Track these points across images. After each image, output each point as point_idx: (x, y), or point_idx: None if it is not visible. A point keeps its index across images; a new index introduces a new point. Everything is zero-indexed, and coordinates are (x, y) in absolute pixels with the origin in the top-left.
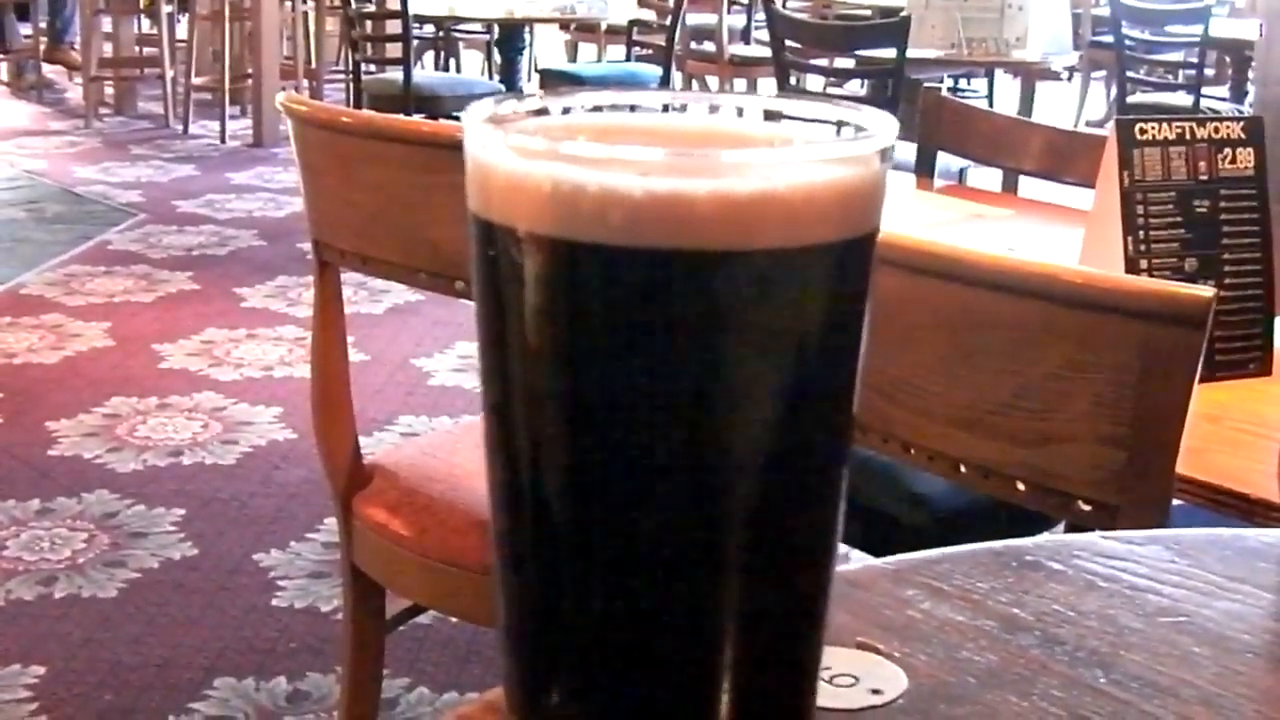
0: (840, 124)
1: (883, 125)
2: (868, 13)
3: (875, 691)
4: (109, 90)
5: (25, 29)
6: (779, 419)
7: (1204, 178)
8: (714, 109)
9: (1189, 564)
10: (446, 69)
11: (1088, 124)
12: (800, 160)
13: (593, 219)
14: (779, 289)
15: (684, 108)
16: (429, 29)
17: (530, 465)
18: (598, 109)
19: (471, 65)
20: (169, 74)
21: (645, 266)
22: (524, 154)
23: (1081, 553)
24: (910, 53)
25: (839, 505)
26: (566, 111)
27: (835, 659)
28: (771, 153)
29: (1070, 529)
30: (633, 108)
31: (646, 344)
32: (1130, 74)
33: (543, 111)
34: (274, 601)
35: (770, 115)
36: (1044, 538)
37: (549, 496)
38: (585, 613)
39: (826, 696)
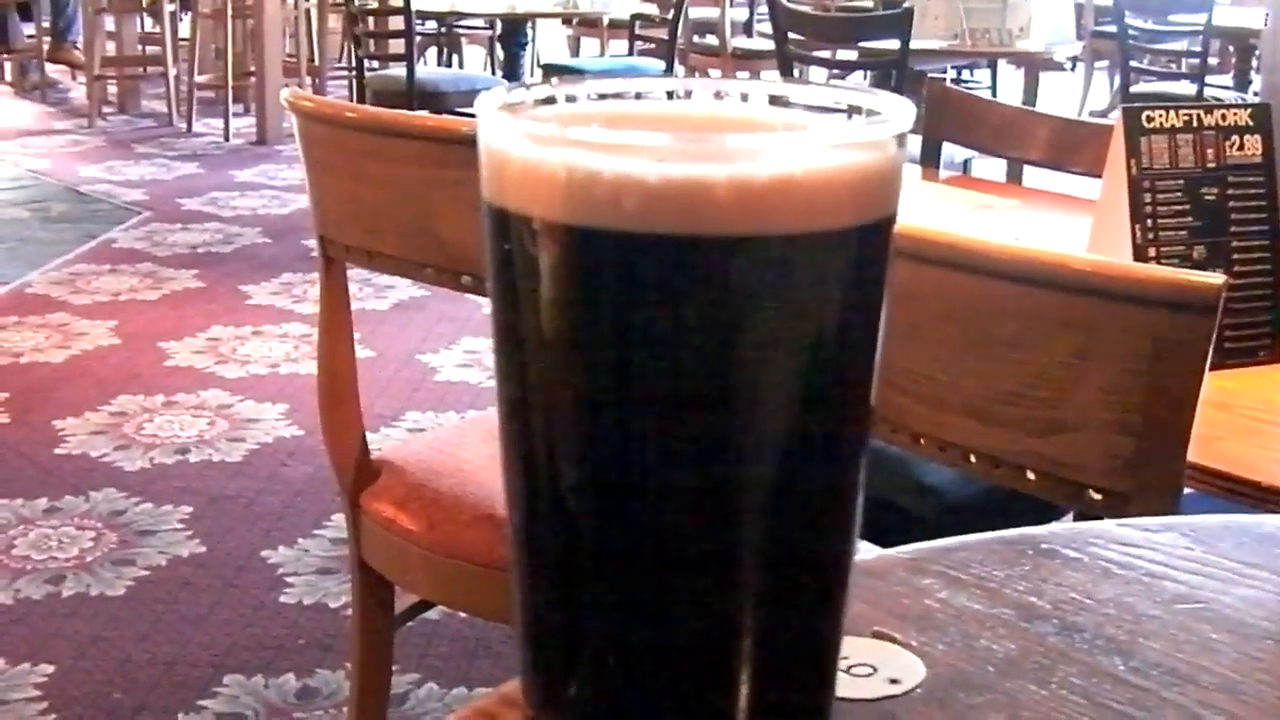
0: (852, 108)
1: (898, 109)
2: (870, 4)
3: (893, 681)
4: (112, 89)
5: (28, 29)
6: (798, 406)
7: (1212, 165)
8: (720, 95)
9: (1205, 550)
10: (449, 65)
11: (1091, 114)
12: (817, 145)
13: (607, 205)
14: (796, 274)
15: (689, 94)
16: (431, 25)
17: (547, 453)
18: (604, 96)
19: (474, 61)
20: (172, 72)
21: (660, 252)
22: (538, 141)
23: (1097, 540)
24: (913, 44)
25: (858, 492)
26: (572, 100)
27: (853, 649)
28: (788, 137)
29: (1080, 518)
30: (639, 95)
31: (663, 331)
32: (1133, 63)
33: (550, 100)
34: (282, 598)
35: (777, 100)
36: (1059, 525)
37: (566, 484)
38: (603, 604)
39: (845, 686)
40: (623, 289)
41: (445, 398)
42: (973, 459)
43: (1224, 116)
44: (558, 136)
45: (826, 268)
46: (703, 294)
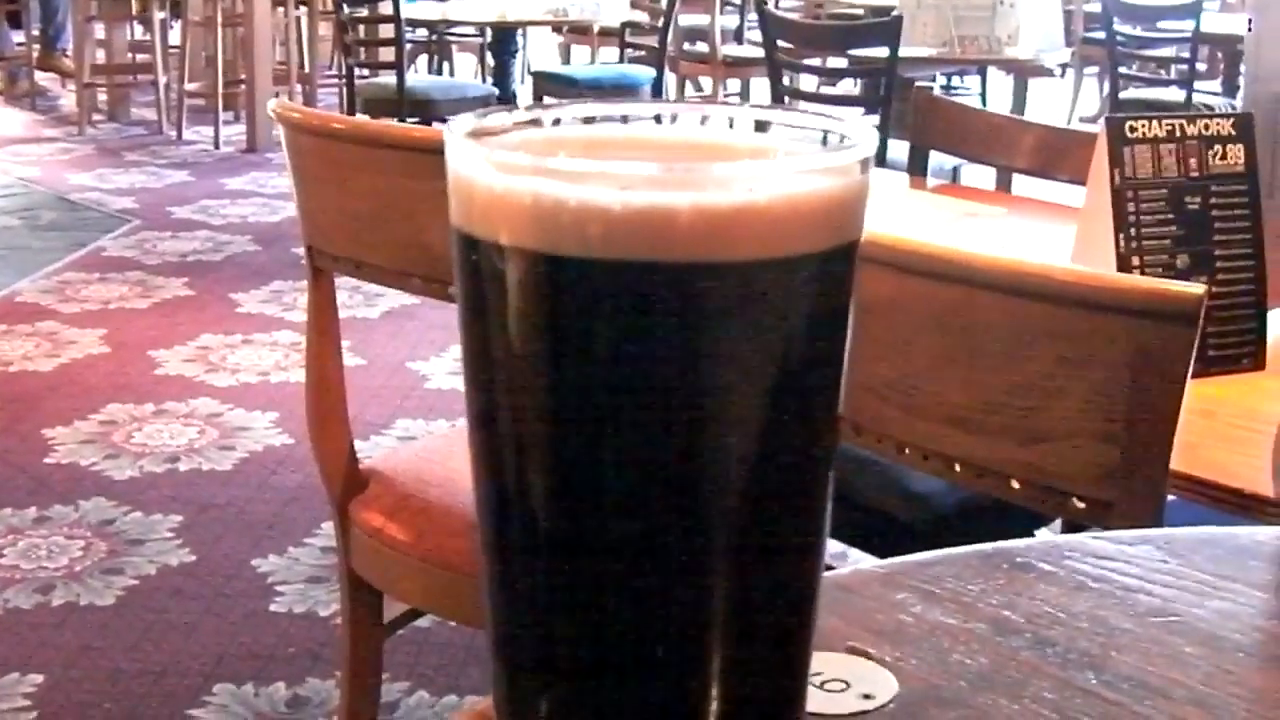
0: (825, 133)
1: (863, 135)
2: (860, 12)
3: (866, 696)
4: (102, 97)
5: (18, 36)
6: (762, 427)
7: (1195, 174)
8: (703, 120)
9: (1180, 563)
10: (440, 72)
11: (1081, 120)
12: (780, 172)
13: (573, 233)
14: (760, 299)
15: (674, 119)
16: (422, 33)
17: (515, 473)
18: (589, 120)
19: (465, 68)
20: (162, 80)
21: (626, 279)
22: (505, 169)
23: (1072, 554)
24: (903, 51)
25: (825, 510)
26: (557, 123)
27: (826, 664)
28: (751, 165)
29: (1066, 525)
30: (624, 118)
31: (629, 355)
32: (1122, 70)
33: (533, 123)
34: (272, 607)
35: (759, 126)
36: (1035, 539)
37: (534, 504)
38: (572, 620)
39: (817, 702)
40: (589, 314)
41: (435, 405)
42: (957, 468)
43: (1207, 126)
44: (523, 165)
45: (791, 292)
46: (668, 319)
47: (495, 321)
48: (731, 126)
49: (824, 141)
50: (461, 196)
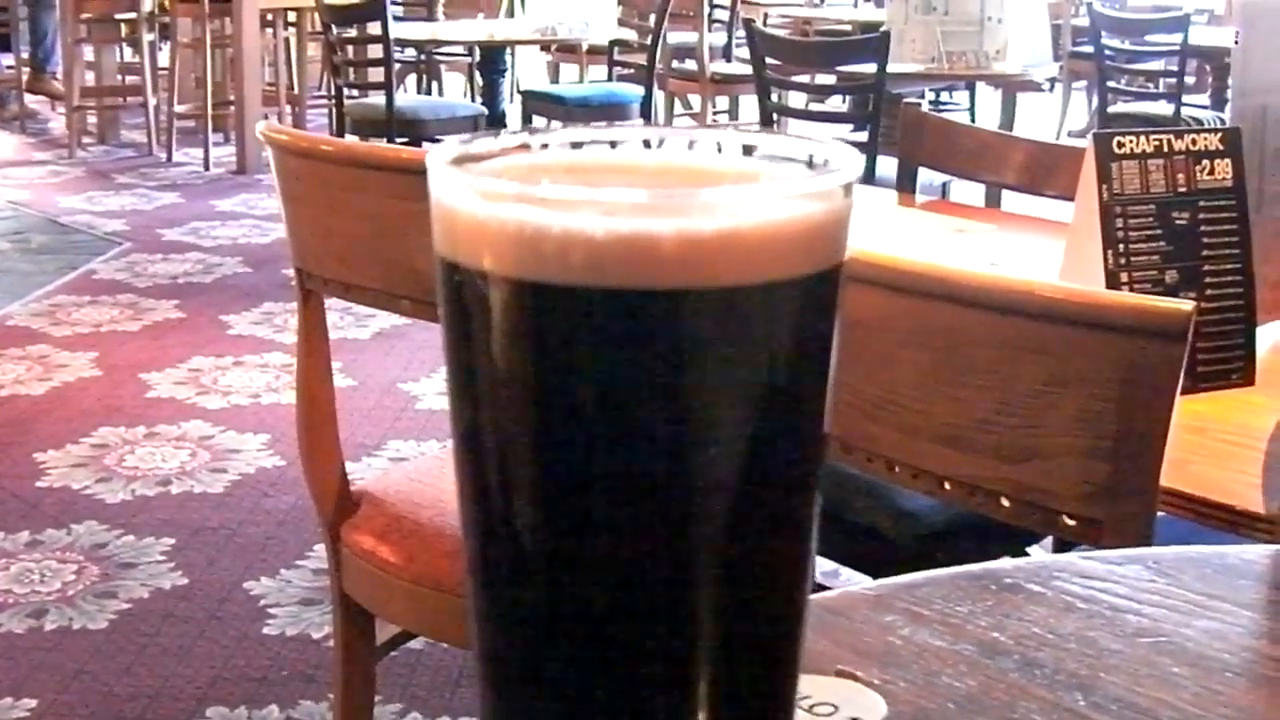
0: (809, 157)
1: (846, 158)
2: (848, 28)
3: None
4: (92, 119)
5: (7, 59)
6: (747, 451)
7: (1183, 190)
8: (690, 145)
9: (1168, 583)
10: (429, 92)
11: (1070, 134)
12: (763, 197)
13: (556, 260)
14: (744, 325)
15: (661, 143)
16: (410, 53)
17: (500, 496)
18: (576, 145)
19: (453, 88)
20: (152, 102)
21: (608, 306)
22: (487, 197)
23: (1061, 574)
24: (891, 68)
25: (811, 534)
26: (544, 148)
27: (815, 687)
28: (735, 191)
29: (1056, 542)
30: (612, 144)
31: (613, 380)
32: (1111, 84)
33: (519, 149)
34: (265, 629)
35: (746, 151)
36: (1022, 560)
37: (519, 527)
38: (557, 643)
39: None
40: (573, 341)
41: (426, 426)
42: (947, 486)
43: (1194, 141)
44: (506, 192)
45: (774, 317)
46: (652, 345)
47: (479, 347)
48: (719, 151)
49: (808, 165)
50: (445, 224)
